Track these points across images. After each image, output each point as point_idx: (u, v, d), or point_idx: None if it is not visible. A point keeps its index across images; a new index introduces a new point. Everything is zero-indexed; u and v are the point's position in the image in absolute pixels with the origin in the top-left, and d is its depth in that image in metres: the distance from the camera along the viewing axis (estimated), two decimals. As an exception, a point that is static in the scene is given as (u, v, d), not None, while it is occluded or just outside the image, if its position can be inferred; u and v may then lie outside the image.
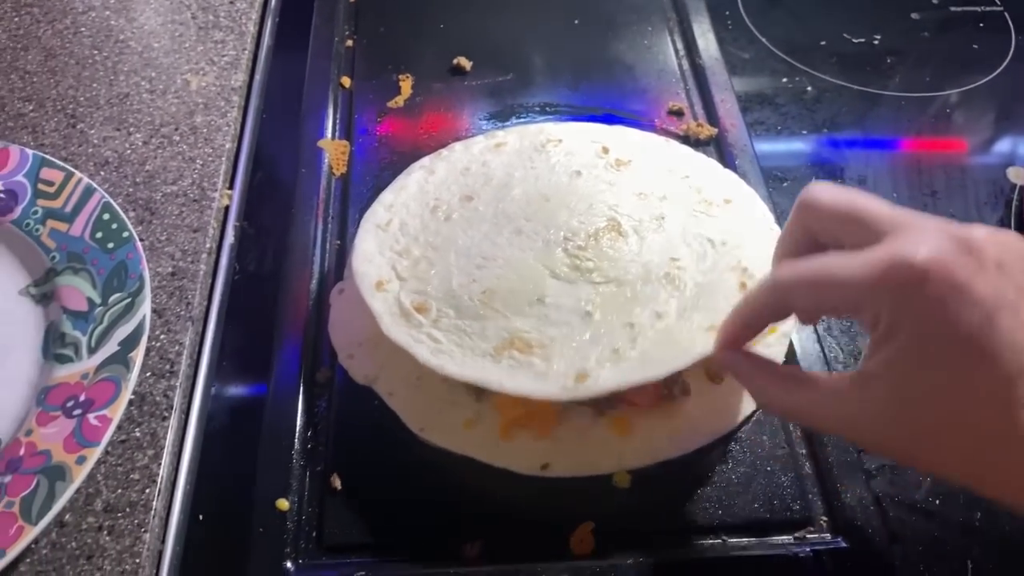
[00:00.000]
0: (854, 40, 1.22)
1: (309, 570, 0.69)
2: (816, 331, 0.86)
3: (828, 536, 0.72)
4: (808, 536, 0.72)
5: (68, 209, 0.86)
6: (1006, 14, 1.26)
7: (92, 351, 0.76)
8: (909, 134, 1.10)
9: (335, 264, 0.91)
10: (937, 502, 0.74)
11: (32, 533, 0.65)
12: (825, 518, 0.73)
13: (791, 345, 0.83)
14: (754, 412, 0.78)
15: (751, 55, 1.20)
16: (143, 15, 1.14)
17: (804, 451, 0.77)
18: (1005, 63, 1.18)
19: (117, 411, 0.72)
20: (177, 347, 0.80)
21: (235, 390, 0.83)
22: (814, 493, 0.75)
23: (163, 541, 0.70)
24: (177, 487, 0.74)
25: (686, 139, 1.03)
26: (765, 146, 1.06)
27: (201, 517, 0.73)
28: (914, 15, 1.26)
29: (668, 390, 0.77)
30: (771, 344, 0.82)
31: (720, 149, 1.02)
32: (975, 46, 1.22)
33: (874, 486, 0.75)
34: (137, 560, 0.68)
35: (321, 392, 0.81)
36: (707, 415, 0.77)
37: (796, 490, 0.75)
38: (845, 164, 1.05)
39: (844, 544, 0.72)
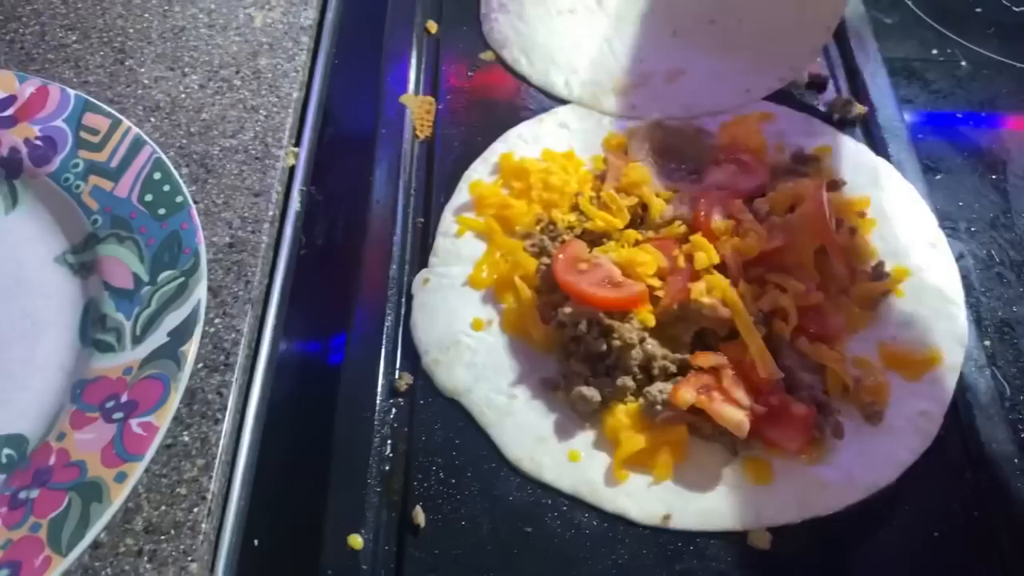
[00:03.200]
0: (1015, 8, 1.05)
1: (384, 625, 0.59)
2: (989, 364, 0.72)
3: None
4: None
5: (114, 164, 0.74)
6: None
7: (137, 340, 0.65)
8: (1082, 122, 0.94)
9: (419, 247, 0.79)
10: None
11: (62, 566, 0.55)
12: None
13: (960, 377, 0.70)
14: (920, 461, 0.65)
15: (895, 20, 1.04)
16: (203, -65, 1.00)
17: (988, 511, 0.64)
18: None
19: (165, 417, 0.61)
20: (234, 335, 0.69)
21: (299, 391, 0.71)
22: (999, 569, 0.62)
23: (212, 571, 0.60)
24: (230, 505, 0.63)
25: (828, 116, 0.88)
26: (912, 128, 0.91)
27: (257, 543, 0.62)
28: (1084, -19, 1.08)
29: (818, 431, 0.64)
30: (938, 379, 0.69)
31: (868, 132, 0.88)
32: None
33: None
34: (182, 596, 0.57)
35: (401, 403, 0.69)
36: (865, 463, 0.65)
37: (977, 562, 0.62)
38: (1007, 156, 0.90)
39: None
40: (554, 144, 0.84)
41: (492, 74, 0.93)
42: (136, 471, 0.59)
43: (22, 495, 0.58)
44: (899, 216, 0.78)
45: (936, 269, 0.75)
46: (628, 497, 0.63)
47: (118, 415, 0.61)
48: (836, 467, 0.64)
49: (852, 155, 0.83)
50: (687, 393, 0.63)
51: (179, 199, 0.72)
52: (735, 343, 0.66)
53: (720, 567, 0.61)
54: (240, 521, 0.62)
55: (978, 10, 1.05)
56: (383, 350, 0.72)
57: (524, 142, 0.85)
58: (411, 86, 0.91)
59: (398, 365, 0.71)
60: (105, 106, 0.79)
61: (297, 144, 0.84)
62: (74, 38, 0.89)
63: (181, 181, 0.74)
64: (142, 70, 0.87)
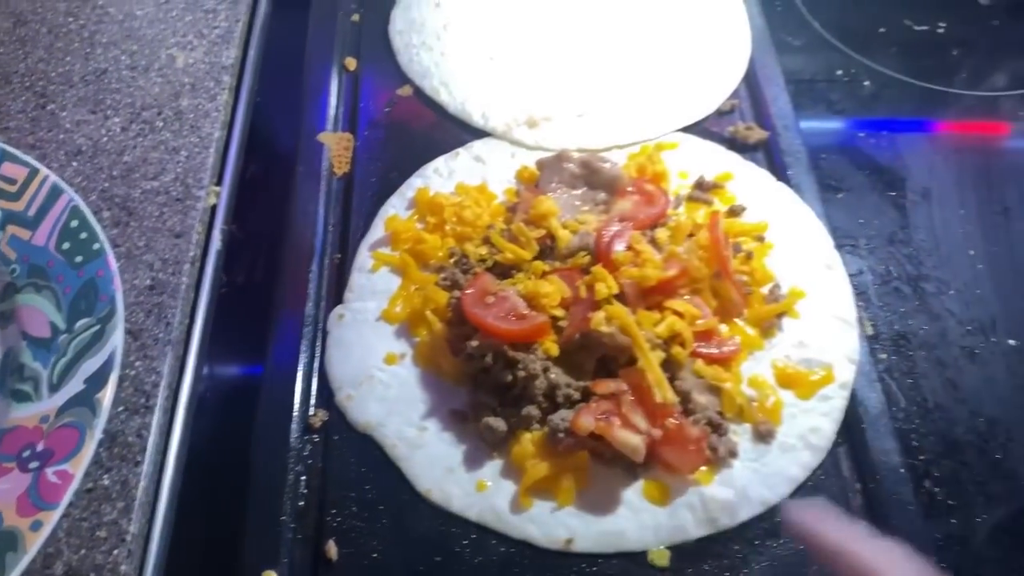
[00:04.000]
0: (916, 27, 1.10)
1: (299, 658, 0.61)
2: (880, 377, 0.76)
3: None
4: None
5: (32, 213, 0.76)
6: (1088, 0, 1.13)
7: (54, 388, 0.66)
8: (979, 140, 0.99)
9: (335, 282, 0.81)
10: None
11: (-23, 616, 0.56)
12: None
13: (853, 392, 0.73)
14: (809, 478, 0.69)
15: (802, 42, 1.07)
16: (125, -23, 1.02)
17: (877, 521, 0.67)
18: (1088, 58, 1.06)
19: (80, 465, 0.63)
20: (154, 377, 0.71)
21: (218, 430, 0.73)
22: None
23: (132, 612, 0.61)
24: (150, 547, 0.64)
25: (731, 142, 0.91)
26: (815, 148, 0.94)
27: (176, 585, 0.64)
28: (983, 0, 1.13)
29: (712, 451, 0.67)
30: (830, 396, 0.72)
31: (770, 155, 0.91)
32: (1053, 37, 1.09)
33: (941, 561, 0.66)
34: (101, 640, 0.59)
35: (315, 439, 0.71)
36: (758, 480, 0.68)
37: (856, 572, 0.65)
38: (907, 174, 0.94)
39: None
40: (468, 178, 0.87)
41: (409, 110, 0.95)
42: (52, 519, 0.60)
43: (-62, 548, 0.59)
44: (796, 239, 0.82)
45: (830, 289, 0.79)
46: (533, 523, 0.65)
47: (34, 464, 0.62)
48: (731, 485, 0.67)
49: (753, 180, 0.87)
50: (586, 420, 0.66)
51: (96, 246, 0.73)
52: (634, 369, 0.69)
53: (621, 584, 0.64)
54: (160, 561, 0.64)
55: (881, 30, 1.09)
56: (298, 387, 0.74)
57: (440, 176, 0.87)
58: (330, 123, 0.93)
59: (313, 402, 0.73)
60: (23, 155, 0.80)
61: (219, 183, 0.84)
62: (-5, 84, 0.89)
63: (99, 228, 0.75)
64: (64, 114, 0.87)
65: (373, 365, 0.74)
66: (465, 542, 0.66)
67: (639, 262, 0.73)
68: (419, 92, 0.97)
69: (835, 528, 0.50)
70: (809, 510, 0.51)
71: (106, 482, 0.65)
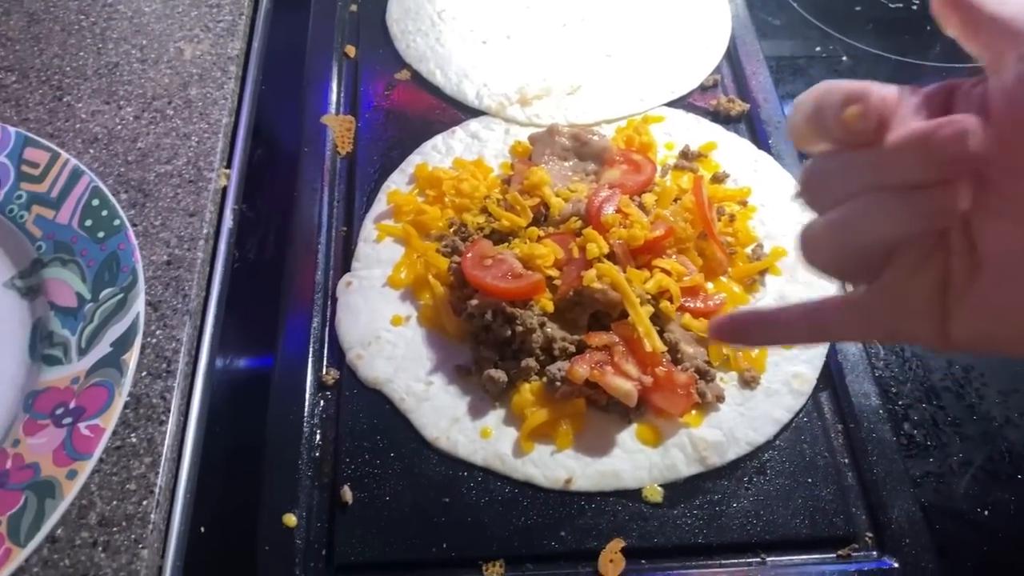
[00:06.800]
0: (891, 5, 1.15)
1: (320, 593, 0.65)
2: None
3: (874, 553, 0.68)
4: (852, 554, 0.68)
5: (54, 194, 0.80)
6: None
7: (83, 352, 0.71)
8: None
9: (342, 253, 0.86)
10: (986, 513, 0.70)
11: (21, 556, 0.61)
12: (870, 534, 0.69)
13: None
14: (792, 420, 0.73)
15: (781, 21, 1.12)
16: (132, -24, 1.06)
17: (847, 460, 0.72)
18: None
19: (110, 420, 0.67)
20: (174, 344, 0.75)
21: (236, 391, 0.77)
22: (858, 506, 0.70)
23: (163, 556, 0.65)
24: (177, 498, 0.69)
25: (715, 115, 0.96)
26: (797, 121, 0.98)
27: (203, 530, 0.68)
28: (955, -22, 1.17)
29: (701, 396, 0.72)
30: (808, 346, 0.77)
31: (752, 126, 0.96)
32: None
33: (920, 496, 0.70)
34: (134, 580, 0.63)
35: (328, 395, 0.76)
36: (744, 423, 0.72)
37: (839, 503, 0.70)
38: (883, 142, 0.98)
39: (891, 563, 0.67)
40: (465, 153, 0.92)
41: (407, 92, 1.00)
42: (86, 469, 0.65)
43: (-18, 497, 0.64)
44: (777, 202, 0.86)
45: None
46: (534, 465, 0.70)
47: (67, 420, 0.67)
48: (719, 427, 0.72)
49: (736, 149, 0.91)
50: (581, 369, 0.70)
51: (116, 222, 0.78)
52: (625, 322, 0.73)
53: (619, 521, 0.68)
54: (187, 511, 0.68)
55: (857, 8, 1.14)
56: (311, 349, 0.78)
57: (438, 153, 0.92)
58: (332, 107, 0.98)
59: (325, 362, 0.78)
60: (45, 141, 0.84)
61: (228, 166, 0.89)
62: (13, 78, 0.93)
63: (118, 206, 0.80)
64: (79, 105, 0.92)
65: (380, 327, 0.78)
66: (471, 484, 0.70)
67: (628, 223, 0.77)
68: (416, 75, 1.02)
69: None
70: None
71: (133, 440, 0.69)
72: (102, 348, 0.70)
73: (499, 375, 0.73)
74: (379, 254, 0.84)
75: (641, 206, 0.80)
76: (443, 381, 0.75)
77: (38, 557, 0.63)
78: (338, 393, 0.75)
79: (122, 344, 0.70)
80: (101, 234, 0.77)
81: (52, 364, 0.71)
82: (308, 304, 0.81)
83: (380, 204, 0.88)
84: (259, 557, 0.66)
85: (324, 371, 0.77)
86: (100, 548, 0.64)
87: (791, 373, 0.75)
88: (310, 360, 0.77)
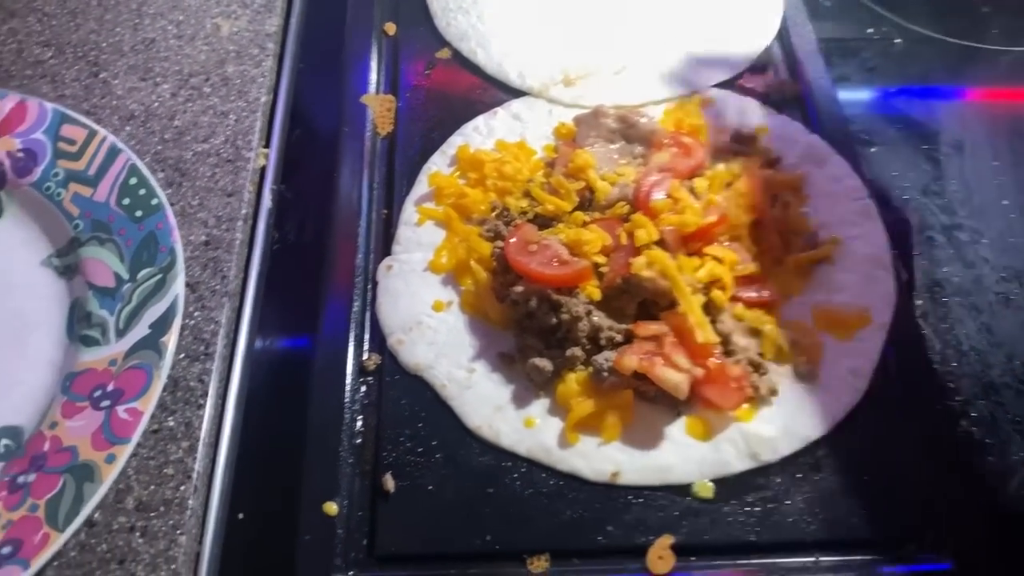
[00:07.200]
0: (946, -15, 1.10)
1: (360, 582, 0.64)
2: (916, 321, 0.77)
3: (934, 555, 0.65)
4: (912, 555, 0.65)
5: (92, 171, 0.79)
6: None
7: (121, 334, 0.70)
8: (1011, 94, 0.99)
9: (382, 236, 0.84)
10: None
11: (59, 541, 0.60)
12: (928, 534, 0.66)
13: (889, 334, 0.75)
14: (848, 415, 0.71)
15: (834, 2, 1.09)
16: (169, -50, 1.04)
17: (905, 458, 0.70)
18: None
19: (149, 403, 0.66)
20: (212, 326, 0.74)
21: (275, 375, 0.76)
22: (916, 505, 0.67)
23: (200, 543, 0.64)
24: (214, 483, 0.67)
25: (766, 98, 0.93)
26: (848, 104, 0.95)
27: (241, 517, 0.67)
28: (1014, -43, 1.13)
29: (754, 390, 0.69)
30: (867, 338, 0.74)
31: (804, 109, 0.92)
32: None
33: (979, 495, 0.68)
34: (173, 566, 0.62)
35: (369, 381, 0.74)
36: (799, 418, 0.70)
37: (896, 502, 0.67)
38: (939, 127, 0.95)
39: (949, 564, 0.64)
40: (507, 135, 0.89)
41: (448, 71, 0.98)
42: (124, 453, 0.63)
43: (20, 480, 0.63)
44: (832, 189, 0.83)
45: (866, 237, 0.80)
46: (580, 457, 0.68)
47: (105, 403, 0.66)
48: (772, 422, 0.69)
49: (788, 133, 0.88)
50: (630, 359, 0.68)
51: (154, 201, 0.76)
52: (675, 312, 0.71)
53: (668, 517, 0.66)
54: (224, 497, 0.67)
55: (912, -12, 1.10)
56: (351, 334, 0.76)
57: (479, 134, 0.90)
58: (372, 86, 0.96)
59: (366, 347, 0.76)
60: (81, 117, 0.83)
61: (267, 145, 0.87)
62: (50, 54, 0.92)
63: (156, 184, 0.78)
64: (116, 82, 0.90)
65: (421, 312, 0.77)
66: (515, 475, 0.68)
67: (678, 209, 0.74)
68: (457, 54, 0.99)
69: None
70: None
71: (171, 423, 0.68)
72: (141, 330, 0.69)
73: (544, 364, 0.71)
74: (420, 237, 0.82)
75: (692, 191, 0.78)
76: (486, 369, 0.73)
77: (75, 541, 0.63)
78: (379, 379, 0.74)
79: (161, 326, 0.69)
80: (139, 213, 0.76)
81: (90, 345, 0.70)
82: (348, 287, 0.79)
83: (421, 186, 0.86)
84: (299, 546, 0.65)
85: (365, 356, 0.75)
86: (138, 533, 0.63)
87: (847, 367, 0.73)
88: (351, 344, 0.76)
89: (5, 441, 0.66)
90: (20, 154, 0.80)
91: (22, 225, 0.78)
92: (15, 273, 0.75)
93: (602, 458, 0.68)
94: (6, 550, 0.59)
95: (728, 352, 0.71)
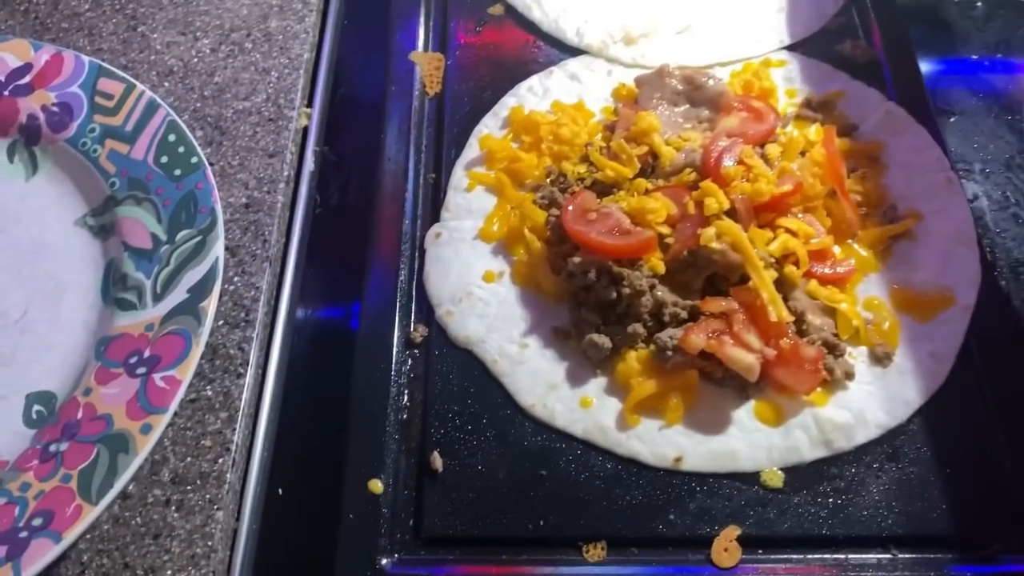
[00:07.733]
0: (1033, -54, 1.03)
1: (406, 566, 0.61)
2: (1002, 302, 0.72)
3: (1022, 557, 0.60)
4: (996, 556, 0.61)
5: (129, 128, 0.75)
6: None
7: (158, 298, 0.66)
8: (1104, 62, 0.93)
9: (430, 202, 0.80)
10: None
11: (92, 514, 0.57)
12: (1019, 533, 0.61)
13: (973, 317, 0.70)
14: (928, 402, 0.66)
15: (909, -40, 1.02)
16: (210, -101, 1.00)
17: (990, 449, 0.65)
18: None
19: (187, 372, 0.62)
20: (253, 292, 0.70)
21: (318, 345, 0.72)
22: (1002, 501, 0.63)
23: (238, 519, 0.61)
24: (253, 456, 0.64)
25: (841, 61, 0.87)
26: (927, 71, 0.89)
27: (281, 492, 0.64)
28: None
29: (829, 373, 0.65)
30: (949, 320, 0.69)
31: (880, 75, 0.87)
32: None
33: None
34: (209, 543, 0.59)
35: (416, 354, 0.71)
36: (875, 404, 0.65)
37: (980, 497, 0.63)
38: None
39: (1039, 568, 0.60)
40: (564, 96, 0.85)
41: (501, 29, 0.93)
42: (161, 423, 0.60)
43: (52, 448, 0.60)
44: (911, 160, 0.78)
45: (948, 212, 0.75)
46: (640, 441, 0.64)
47: (141, 370, 0.62)
48: (847, 407, 0.65)
49: (865, 100, 0.83)
50: (697, 338, 0.64)
51: (194, 160, 0.73)
52: (745, 288, 0.66)
53: (734, 506, 0.63)
54: (264, 471, 0.64)
55: (996, -52, 1.03)
56: (398, 303, 0.73)
57: (534, 95, 0.85)
58: (420, 43, 0.92)
59: (413, 318, 0.73)
60: (119, 71, 0.80)
61: (309, 105, 0.84)
62: (87, 6, 0.89)
63: (195, 142, 0.75)
64: (154, 36, 0.87)
65: (472, 282, 0.73)
66: (570, 457, 0.65)
67: (751, 177, 0.70)
68: (511, 10, 0.95)
69: None
70: None
71: (209, 393, 0.65)
72: (179, 294, 0.66)
73: (602, 340, 0.67)
74: (470, 204, 0.78)
75: (764, 158, 0.73)
76: (539, 344, 0.69)
77: (109, 514, 0.60)
78: (426, 352, 0.71)
79: (200, 290, 0.66)
80: (178, 172, 0.72)
81: (126, 309, 0.66)
82: (395, 255, 0.76)
83: (471, 149, 0.82)
84: (342, 524, 0.62)
85: (412, 327, 0.72)
86: (173, 507, 0.61)
87: (927, 351, 0.68)
88: (397, 315, 0.73)
89: (37, 407, 0.63)
90: (55, 108, 0.76)
91: (56, 182, 0.74)
92: (49, 232, 0.72)
93: (664, 442, 0.64)
94: (37, 521, 0.56)
95: (802, 332, 0.67)
